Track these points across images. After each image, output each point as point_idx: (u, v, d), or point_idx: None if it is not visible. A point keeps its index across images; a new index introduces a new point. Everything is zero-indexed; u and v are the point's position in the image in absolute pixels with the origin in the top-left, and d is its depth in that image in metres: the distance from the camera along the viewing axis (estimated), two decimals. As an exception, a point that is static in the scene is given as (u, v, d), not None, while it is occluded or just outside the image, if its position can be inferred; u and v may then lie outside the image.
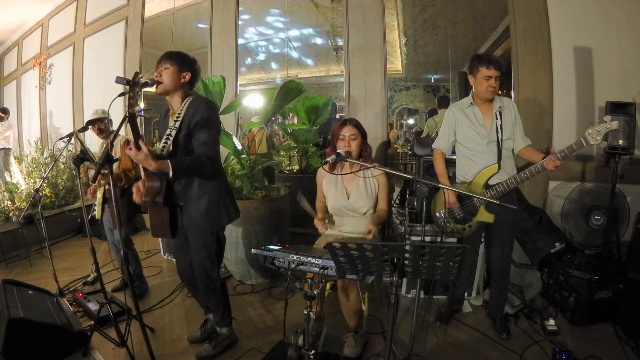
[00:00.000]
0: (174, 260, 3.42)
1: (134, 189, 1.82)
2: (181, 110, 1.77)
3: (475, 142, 2.09)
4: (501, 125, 2.04)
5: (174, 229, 1.86)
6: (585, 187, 2.57)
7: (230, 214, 1.93)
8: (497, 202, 1.52)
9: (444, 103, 4.25)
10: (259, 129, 4.04)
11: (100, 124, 2.62)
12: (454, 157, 2.27)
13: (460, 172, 2.20)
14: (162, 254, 3.61)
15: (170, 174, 1.56)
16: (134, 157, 1.51)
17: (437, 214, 2.24)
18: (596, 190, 2.53)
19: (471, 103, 2.11)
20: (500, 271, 2.20)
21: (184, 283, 2.12)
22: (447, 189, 1.99)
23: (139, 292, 2.74)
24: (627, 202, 2.49)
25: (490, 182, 2.05)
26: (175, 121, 1.75)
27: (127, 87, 1.50)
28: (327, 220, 2.20)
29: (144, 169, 1.73)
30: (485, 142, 2.06)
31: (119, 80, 1.52)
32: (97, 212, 2.62)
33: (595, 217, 2.47)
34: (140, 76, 1.57)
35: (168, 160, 1.57)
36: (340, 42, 4.03)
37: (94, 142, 4.69)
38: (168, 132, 1.74)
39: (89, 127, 2.62)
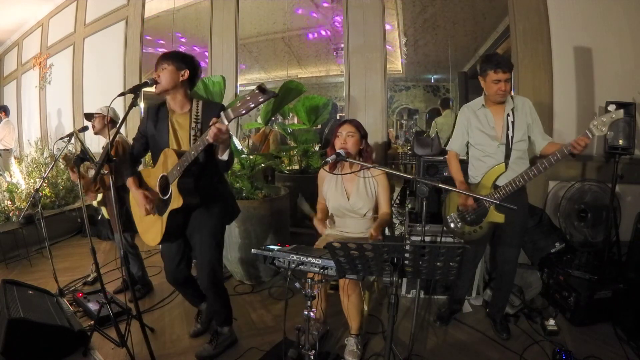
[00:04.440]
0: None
1: (140, 197, 1.81)
2: (197, 113, 1.78)
3: (486, 145, 2.07)
4: (513, 127, 2.01)
5: (182, 231, 1.89)
6: (583, 186, 2.57)
7: (237, 207, 2.07)
8: (497, 202, 1.51)
9: (447, 104, 4.26)
10: (271, 129, 4.07)
11: (94, 120, 2.60)
12: (465, 158, 2.25)
13: (472, 172, 2.18)
14: (162, 254, 3.61)
15: (227, 154, 1.67)
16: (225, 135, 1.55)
17: (448, 217, 2.21)
18: (594, 189, 2.54)
19: (483, 105, 2.08)
20: (506, 273, 2.19)
21: (173, 283, 2.07)
22: (445, 188, 1.99)
23: (139, 295, 2.73)
24: (619, 202, 2.50)
25: (499, 183, 2.02)
26: (196, 122, 1.76)
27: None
28: (327, 221, 2.21)
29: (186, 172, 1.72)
30: (496, 144, 2.04)
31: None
32: (104, 212, 2.70)
33: (581, 214, 2.48)
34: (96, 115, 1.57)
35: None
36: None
37: (94, 142, 4.70)
38: (193, 133, 1.75)
39: (91, 119, 2.63)
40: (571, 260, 2.51)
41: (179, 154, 1.69)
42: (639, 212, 2.48)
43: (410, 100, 4.79)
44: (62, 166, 4.28)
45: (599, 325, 2.27)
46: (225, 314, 2.06)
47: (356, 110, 3.54)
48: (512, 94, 3.03)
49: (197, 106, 1.80)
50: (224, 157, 1.67)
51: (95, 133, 2.65)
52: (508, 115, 2.02)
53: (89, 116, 2.65)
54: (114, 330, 1.87)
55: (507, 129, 2.01)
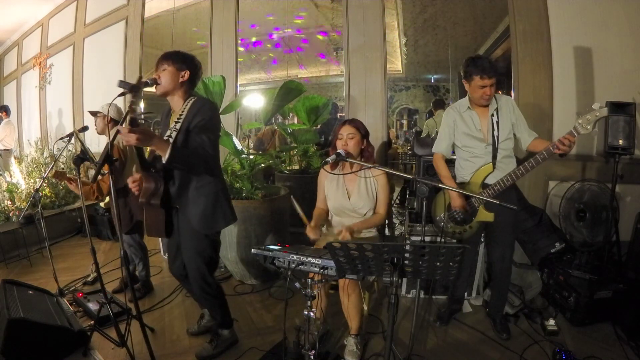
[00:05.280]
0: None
1: (130, 182, 1.77)
2: (182, 111, 1.75)
3: (473, 146, 2.08)
4: (498, 126, 2.03)
5: (169, 230, 1.85)
6: (583, 186, 2.57)
7: (227, 216, 1.89)
8: (497, 202, 1.51)
9: (440, 105, 4.27)
10: (275, 128, 4.08)
11: (96, 119, 2.59)
12: (454, 157, 2.26)
13: (460, 173, 2.19)
14: (162, 254, 3.61)
15: (167, 155, 1.49)
16: (133, 139, 1.40)
17: (438, 217, 2.22)
18: (593, 189, 2.53)
19: (468, 107, 2.09)
20: (500, 272, 2.19)
21: (176, 278, 2.10)
22: (446, 188, 1.99)
23: (139, 295, 2.71)
24: (618, 202, 2.50)
25: (487, 182, 2.03)
26: (176, 122, 1.73)
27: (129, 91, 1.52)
28: (324, 227, 2.20)
29: (143, 169, 1.72)
30: (483, 145, 2.05)
31: (121, 84, 1.52)
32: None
33: (580, 214, 2.48)
34: (143, 80, 1.56)
35: (170, 140, 1.57)
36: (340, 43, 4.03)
37: (94, 142, 4.71)
38: (168, 133, 1.72)
39: (94, 117, 2.62)
40: (571, 260, 2.51)
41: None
42: (639, 212, 2.48)
43: (410, 100, 4.80)
44: (57, 183, 4.27)
45: (599, 325, 2.27)
46: (221, 317, 2.05)
47: (356, 110, 3.54)
48: (513, 94, 3.04)
49: (187, 105, 1.77)
50: (163, 160, 1.52)
51: (99, 133, 2.65)
52: (492, 115, 2.04)
53: (94, 113, 2.64)
54: (114, 330, 1.87)
55: (493, 129, 2.03)
